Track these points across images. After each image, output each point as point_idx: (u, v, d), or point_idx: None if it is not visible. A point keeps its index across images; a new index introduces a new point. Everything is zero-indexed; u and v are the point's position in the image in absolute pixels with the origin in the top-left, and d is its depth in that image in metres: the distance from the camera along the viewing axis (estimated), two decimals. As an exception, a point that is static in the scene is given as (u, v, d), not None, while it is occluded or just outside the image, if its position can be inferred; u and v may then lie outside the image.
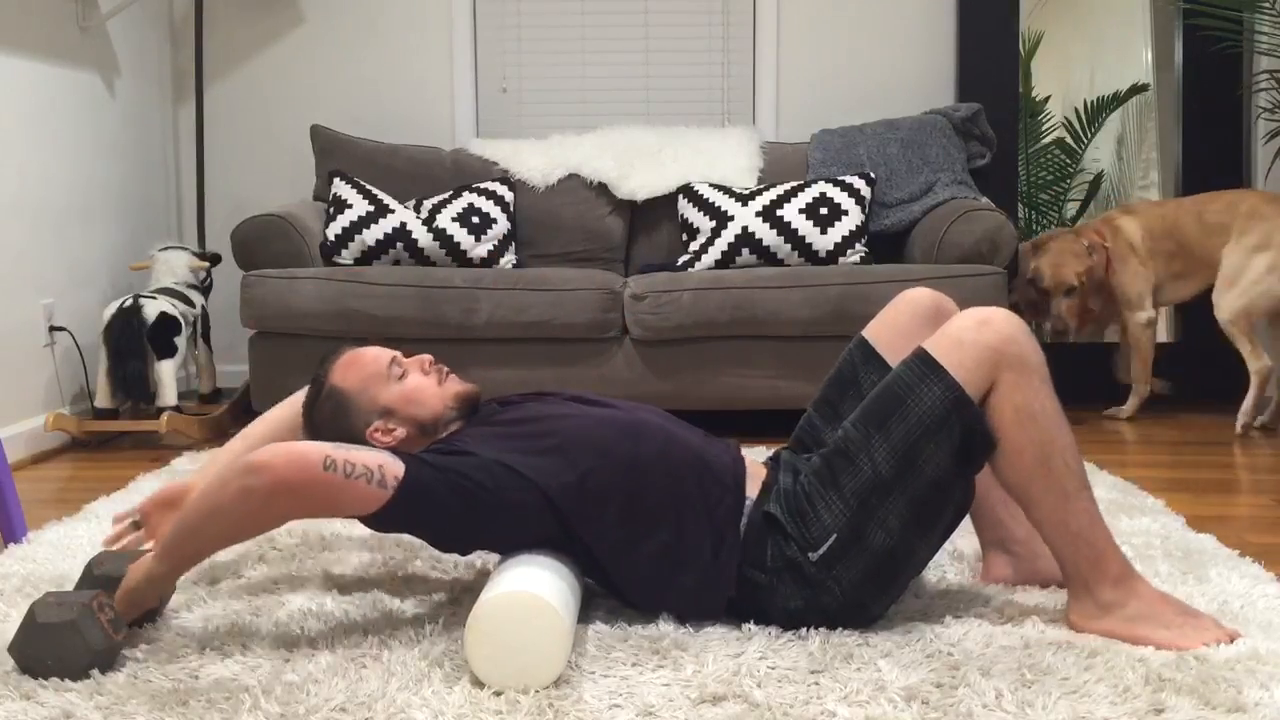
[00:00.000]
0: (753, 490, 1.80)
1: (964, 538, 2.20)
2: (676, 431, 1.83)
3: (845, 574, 1.69)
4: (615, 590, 1.79)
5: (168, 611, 1.84)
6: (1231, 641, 1.65)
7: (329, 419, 1.86)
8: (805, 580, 1.71)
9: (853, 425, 1.73)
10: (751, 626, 1.73)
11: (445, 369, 1.92)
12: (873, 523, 1.68)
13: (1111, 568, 1.71)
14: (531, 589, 1.56)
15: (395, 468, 1.64)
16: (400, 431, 1.83)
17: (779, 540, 1.73)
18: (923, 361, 1.70)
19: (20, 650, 1.59)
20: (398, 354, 1.91)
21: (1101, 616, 1.71)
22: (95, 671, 1.58)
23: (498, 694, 1.51)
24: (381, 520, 1.67)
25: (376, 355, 1.89)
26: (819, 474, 1.73)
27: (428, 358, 1.92)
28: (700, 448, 1.82)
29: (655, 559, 1.73)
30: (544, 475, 1.71)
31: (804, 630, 1.71)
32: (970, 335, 1.69)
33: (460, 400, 1.88)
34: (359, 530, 2.33)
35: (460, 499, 1.67)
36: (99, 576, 1.80)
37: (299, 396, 1.99)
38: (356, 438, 1.83)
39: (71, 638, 1.57)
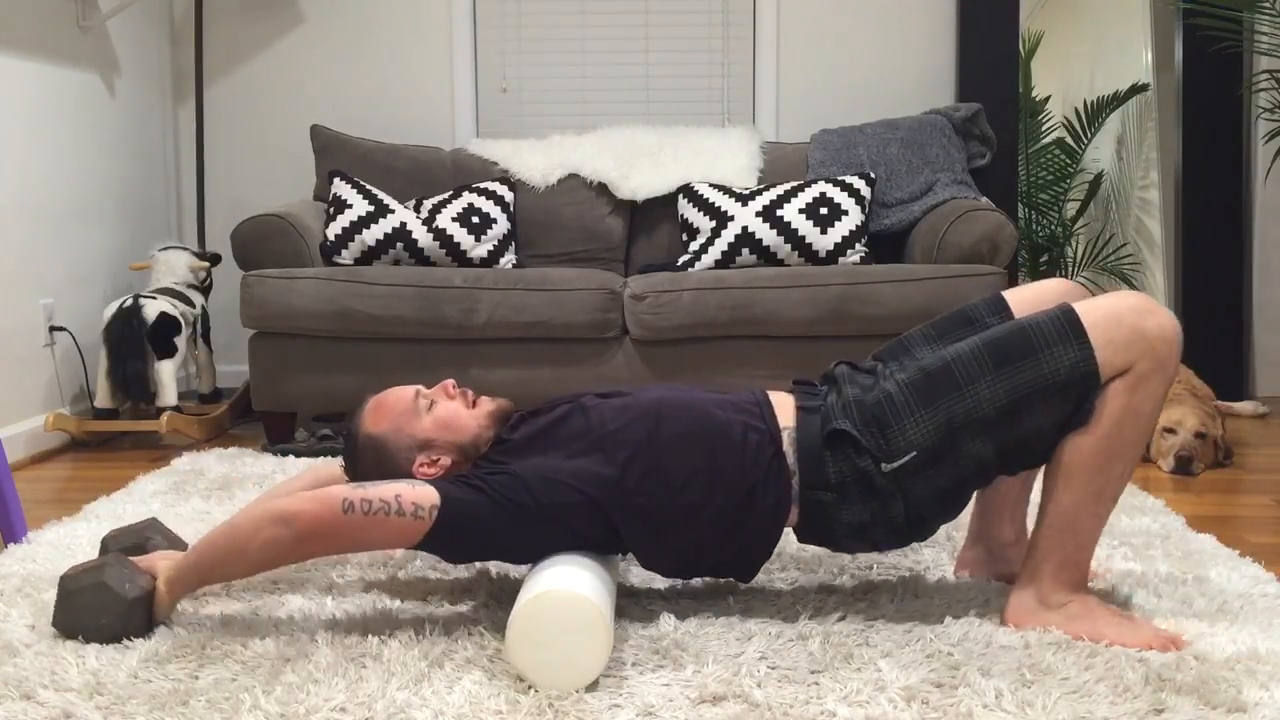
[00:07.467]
0: (785, 418, 1.78)
1: (964, 535, 2.20)
2: (692, 396, 1.83)
3: (914, 490, 1.70)
4: (674, 566, 1.81)
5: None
6: (1172, 645, 1.64)
7: (373, 466, 1.86)
8: (874, 492, 1.70)
9: (970, 351, 1.69)
10: (752, 626, 1.73)
11: (470, 391, 1.92)
12: (954, 454, 1.68)
13: (1079, 575, 1.73)
14: (584, 591, 1.56)
15: (418, 494, 1.69)
16: (445, 460, 1.84)
17: (849, 453, 1.71)
18: (1069, 321, 1.66)
19: (62, 621, 1.71)
20: (420, 387, 1.91)
21: (1043, 611, 1.72)
22: (97, 671, 1.58)
23: (498, 694, 1.51)
24: (431, 547, 1.73)
25: (401, 393, 1.90)
26: (915, 385, 1.70)
27: (450, 382, 1.92)
28: (720, 400, 1.83)
29: (714, 521, 1.73)
30: (584, 478, 1.73)
31: (804, 630, 1.71)
32: (1131, 317, 1.65)
33: (494, 418, 1.89)
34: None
35: (506, 516, 1.71)
36: (115, 551, 1.93)
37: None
38: (403, 477, 1.83)
39: (103, 594, 1.69)
